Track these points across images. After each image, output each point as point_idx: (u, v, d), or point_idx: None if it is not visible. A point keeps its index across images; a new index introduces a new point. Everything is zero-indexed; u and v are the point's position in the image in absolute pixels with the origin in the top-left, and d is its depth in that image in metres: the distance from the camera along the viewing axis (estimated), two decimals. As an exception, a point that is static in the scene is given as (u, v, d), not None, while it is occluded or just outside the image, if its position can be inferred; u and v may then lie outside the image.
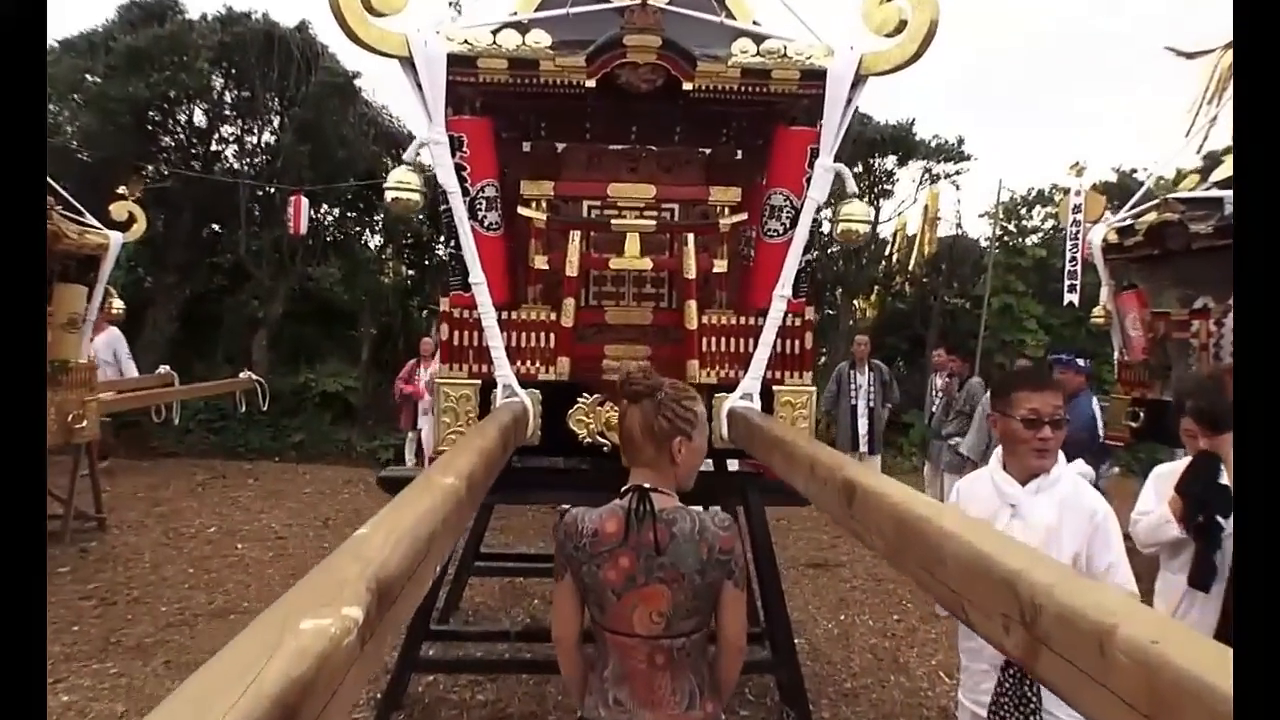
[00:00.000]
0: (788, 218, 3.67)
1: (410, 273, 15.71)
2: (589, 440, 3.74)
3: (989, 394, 6.97)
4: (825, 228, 10.37)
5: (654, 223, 3.76)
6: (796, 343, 3.81)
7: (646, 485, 2.17)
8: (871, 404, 9.67)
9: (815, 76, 3.53)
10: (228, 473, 10.92)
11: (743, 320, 3.80)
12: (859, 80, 3.53)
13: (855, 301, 16.74)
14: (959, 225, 16.25)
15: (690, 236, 3.72)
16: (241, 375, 10.67)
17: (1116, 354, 7.54)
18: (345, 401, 13.24)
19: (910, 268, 15.89)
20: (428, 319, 15.01)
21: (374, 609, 1.00)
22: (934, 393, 9.21)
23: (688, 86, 3.54)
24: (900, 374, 15.31)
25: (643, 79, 3.58)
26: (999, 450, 2.73)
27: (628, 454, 2.24)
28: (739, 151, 4.10)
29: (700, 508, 2.22)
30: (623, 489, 2.21)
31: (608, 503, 2.22)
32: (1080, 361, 6.96)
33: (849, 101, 3.54)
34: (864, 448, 9.66)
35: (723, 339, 3.79)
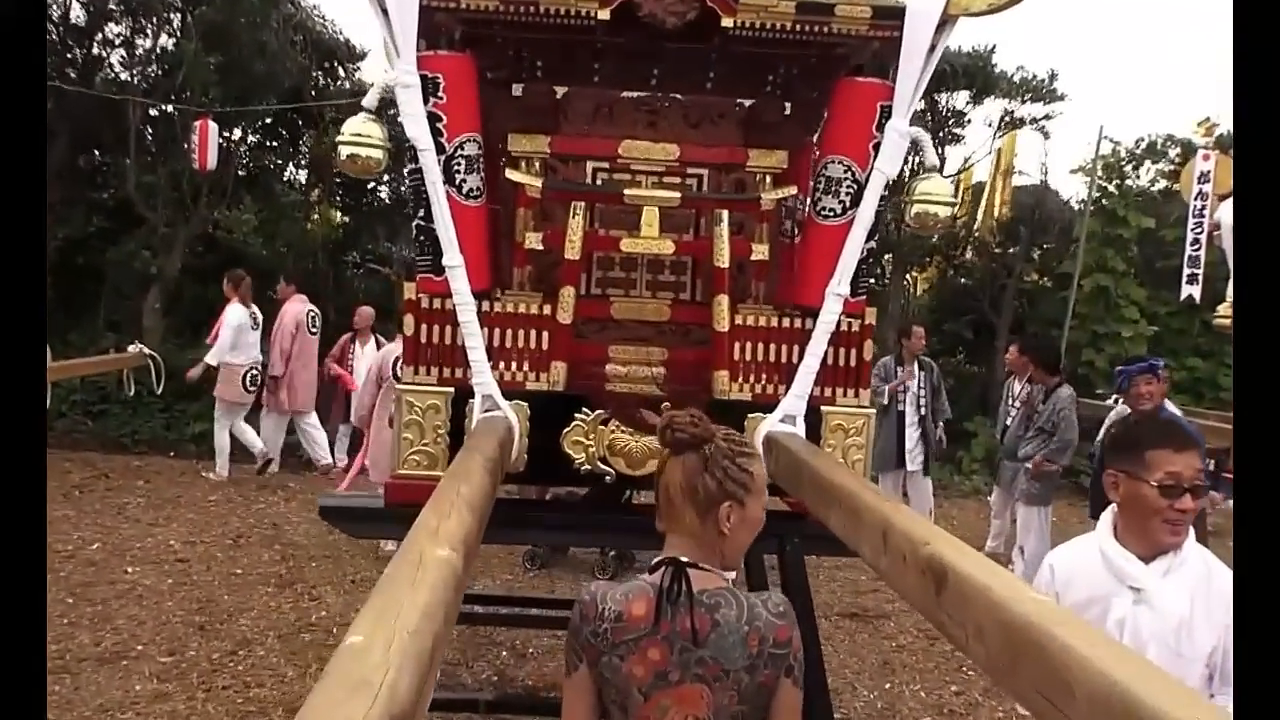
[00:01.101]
0: (848, 194, 3.69)
1: (344, 219, 15.69)
2: (587, 468, 3.77)
3: (1107, 443, 7.02)
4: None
5: (677, 194, 3.77)
6: (852, 352, 3.84)
7: (684, 559, 2.19)
8: (923, 411, 9.74)
9: (891, 15, 3.54)
10: (111, 471, 10.94)
11: (786, 322, 3.83)
12: (946, 21, 3.54)
13: (908, 275, 16.82)
14: (1045, 182, 16.30)
15: (724, 213, 3.74)
16: (130, 349, 10.68)
17: (1243, 362, 7.58)
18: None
19: (978, 232, 15.94)
20: (363, 280, 15.01)
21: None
22: (1010, 401, 9.26)
23: (727, 22, 3.54)
24: (960, 369, 15.43)
25: (670, 10, 3.58)
26: (1109, 516, 2.76)
27: (665, 518, 2.28)
28: (787, 106, 4.11)
29: (746, 592, 2.26)
30: (654, 561, 2.24)
31: (628, 578, 2.27)
32: (1163, 370, 7.00)
33: (933, 48, 3.55)
34: (911, 465, 9.74)
35: (760, 344, 3.82)
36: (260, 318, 11.17)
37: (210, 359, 10.69)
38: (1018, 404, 9.00)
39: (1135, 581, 2.64)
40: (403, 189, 15.13)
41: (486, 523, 2.42)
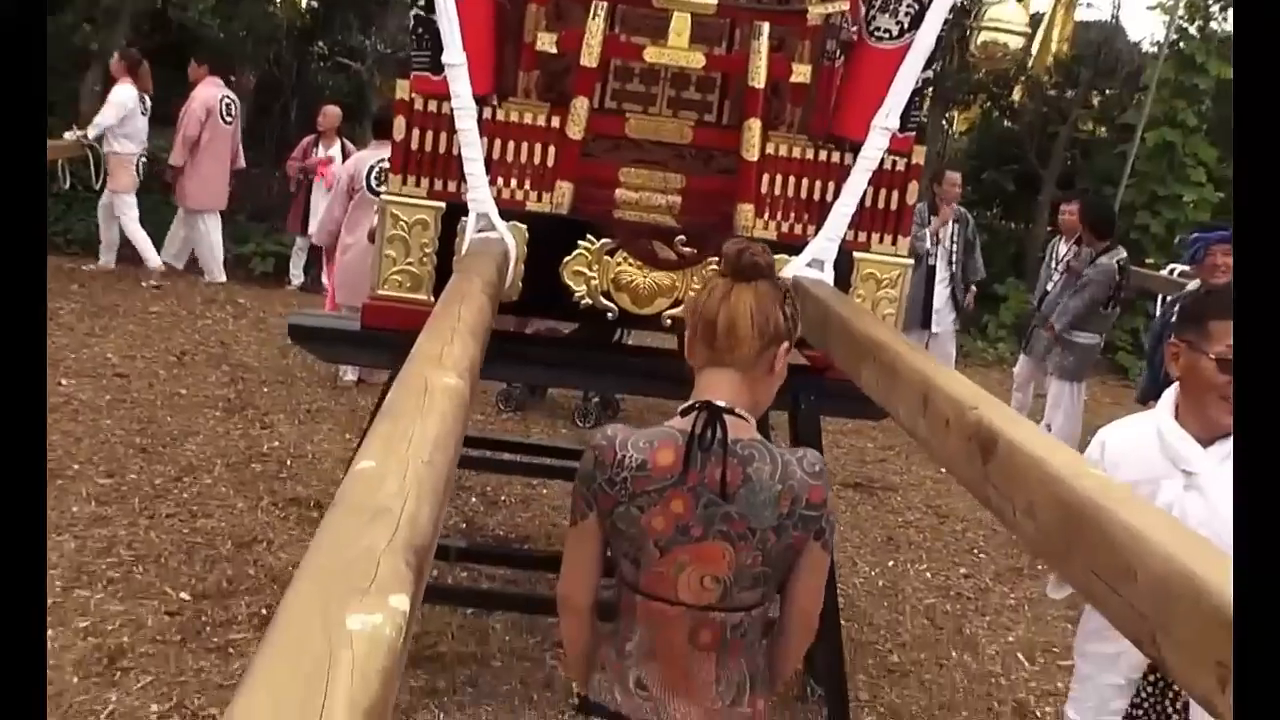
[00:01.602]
0: (908, 13, 3.64)
1: (313, 4, 15.39)
2: (588, 301, 3.80)
3: (1174, 315, 7.05)
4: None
5: (713, 0, 3.71)
6: (894, 195, 3.85)
7: (719, 402, 2.23)
8: (954, 268, 9.75)
9: None
10: (40, 272, 10.92)
11: (823, 155, 3.82)
12: None
13: (947, 115, 16.64)
14: (1115, 18, 16.03)
15: (764, 26, 3.69)
16: (67, 135, 10.56)
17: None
18: (209, 184, 13.15)
19: (1031, 71, 15.71)
20: (330, 75, 14.78)
21: (414, 591, 1.08)
22: (1053, 262, 9.26)
23: None
24: (996, 225, 15.42)
25: None
26: (1170, 396, 2.80)
27: (715, 349, 2.27)
28: (843, -95, 4.02)
29: (784, 447, 2.31)
30: (684, 406, 2.27)
31: (653, 425, 2.30)
32: None
33: None
34: (937, 327, 9.78)
35: (792, 178, 3.82)
36: (149, 104, 10.95)
37: (91, 131, 10.51)
38: (1061, 267, 9.01)
39: (1189, 465, 2.69)
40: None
41: (486, 351, 2.45)
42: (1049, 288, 9.00)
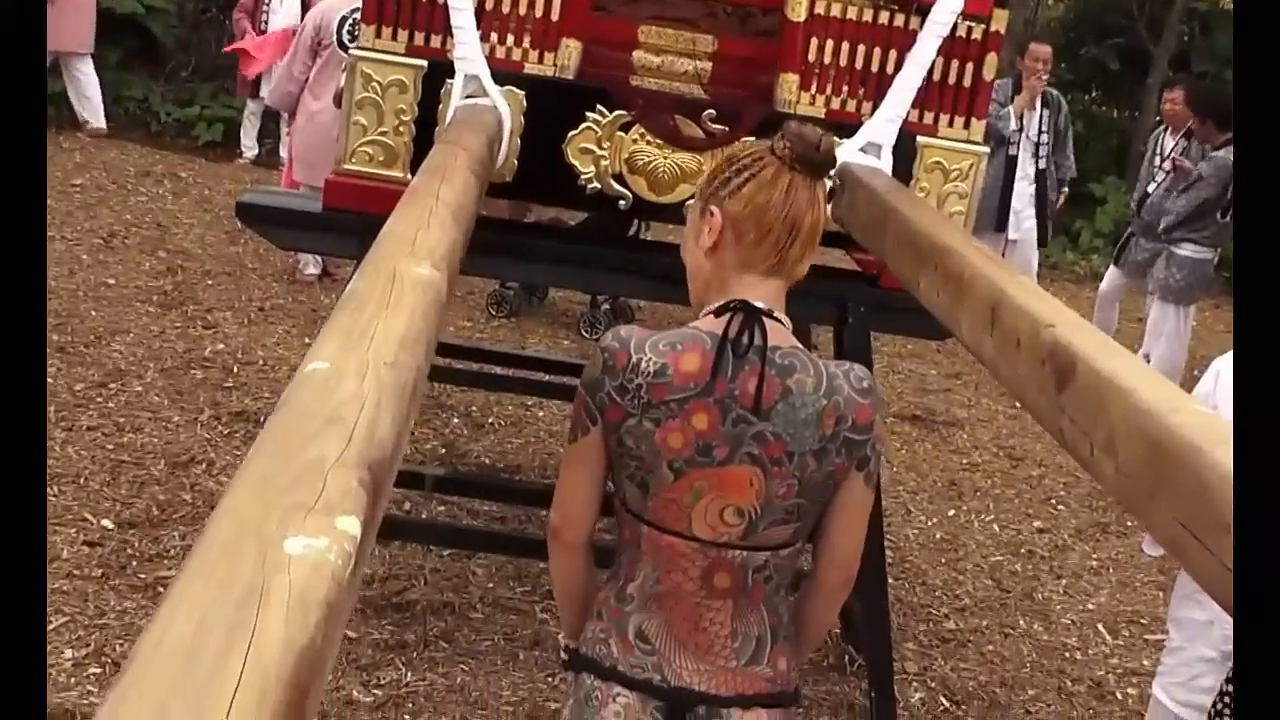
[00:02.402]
0: None
1: None
2: (596, 186, 3.80)
3: None
4: None
5: None
6: (968, 68, 3.83)
7: (757, 303, 2.24)
8: (1042, 163, 9.65)
9: None
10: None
11: (883, 17, 3.80)
12: None
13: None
14: None
15: None
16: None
17: None
18: (144, 34, 13.11)
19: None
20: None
21: (369, 513, 1.09)
22: (1157, 158, 9.20)
23: None
24: (1094, 112, 15.28)
25: None
26: None
27: (765, 251, 2.29)
28: None
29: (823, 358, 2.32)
30: (716, 305, 2.27)
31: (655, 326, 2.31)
32: None
33: None
34: (1016, 232, 9.68)
35: (845, 45, 3.80)
36: None
37: None
38: (1164, 165, 8.94)
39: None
40: None
41: (470, 240, 2.46)
42: (1150, 189, 8.93)
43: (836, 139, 2.30)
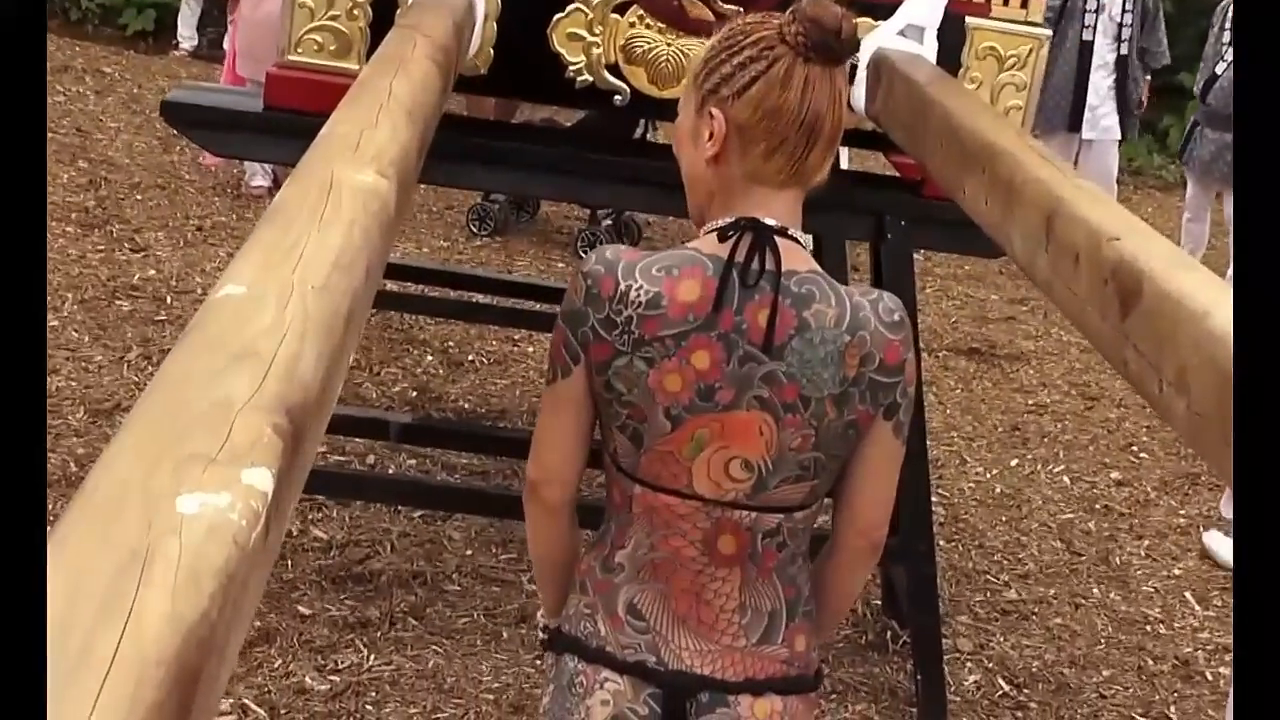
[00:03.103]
0: None
1: None
2: (588, 78, 3.79)
3: None
4: None
5: None
6: (1028, -68, 3.81)
7: (769, 221, 2.23)
8: (1124, 49, 9.56)
9: None
10: None
11: None
12: None
13: None
14: None
15: None
16: None
17: None
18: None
19: None
20: None
21: (285, 465, 1.08)
22: (1225, 34, 9.08)
23: None
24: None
25: None
26: None
27: (774, 162, 2.22)
28: None
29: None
30: (720, 223, 2.25)
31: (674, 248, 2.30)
32: None
33: None
34: (1091, 131, 9.61)
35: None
36: None
37: None
38: (1221, 45, 8.90)
39: None
40: None
41: (429, 144, 2.44)
42: (1219, 69, 8.87)
43: (861, 18, 2.25)
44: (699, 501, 2.26)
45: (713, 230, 2.26)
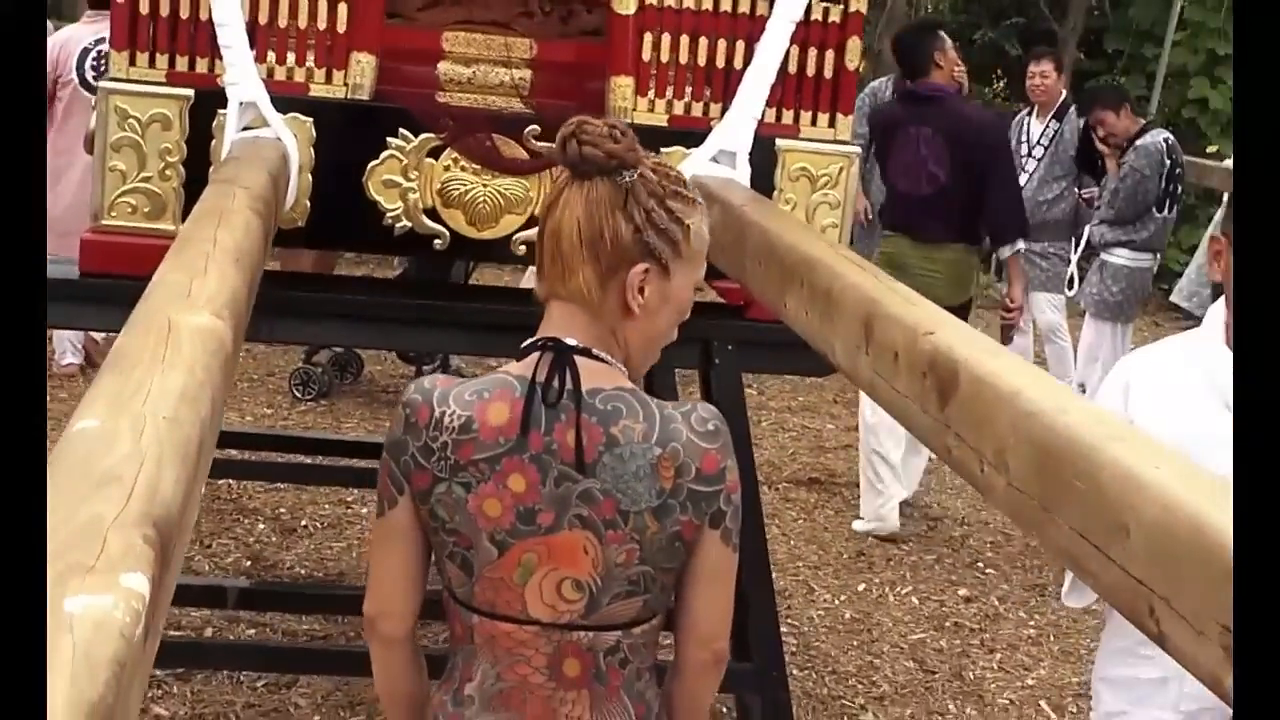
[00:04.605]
0: None
1: None
2: (406, 225, 3.87)
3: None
4: None
5: None
6: (829, 56, 3.97)
7: (570, 341, 2.32)
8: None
9: None
10: None
11: (727, 4, 3.93)
12: None
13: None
14: None
15: None
16: None
17: None
18: None
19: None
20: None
21: (157, 572, 1.17)
22: (1024, 147, 9.38)
23: None
24: (999, 106, 15.66)
25: None
26: (1217, 312, 2.94)
27: (548, 276, 2.34)
28: None
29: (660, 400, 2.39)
30: (524, 344, 2.36)
31: (480, 373, 2.40)
32: None
33: None
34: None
35: (685, 39, 3.92)
36: None
37: None
38: (1036, 153, 9.24)
39: (1241, 398, 2.83)
40: None
41: (257, 289, 2.53)
42: (1021, 181, 9.20)
43: (609, 130, 2.33)
44: (537, 626, 2.32)
45: (519, 351, 2.36)
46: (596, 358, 2.32)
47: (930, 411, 2.15)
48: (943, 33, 9.96)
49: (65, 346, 8.43)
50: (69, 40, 7.94)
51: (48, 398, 7.98)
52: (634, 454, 2.27)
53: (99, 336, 8.67)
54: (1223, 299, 2.93)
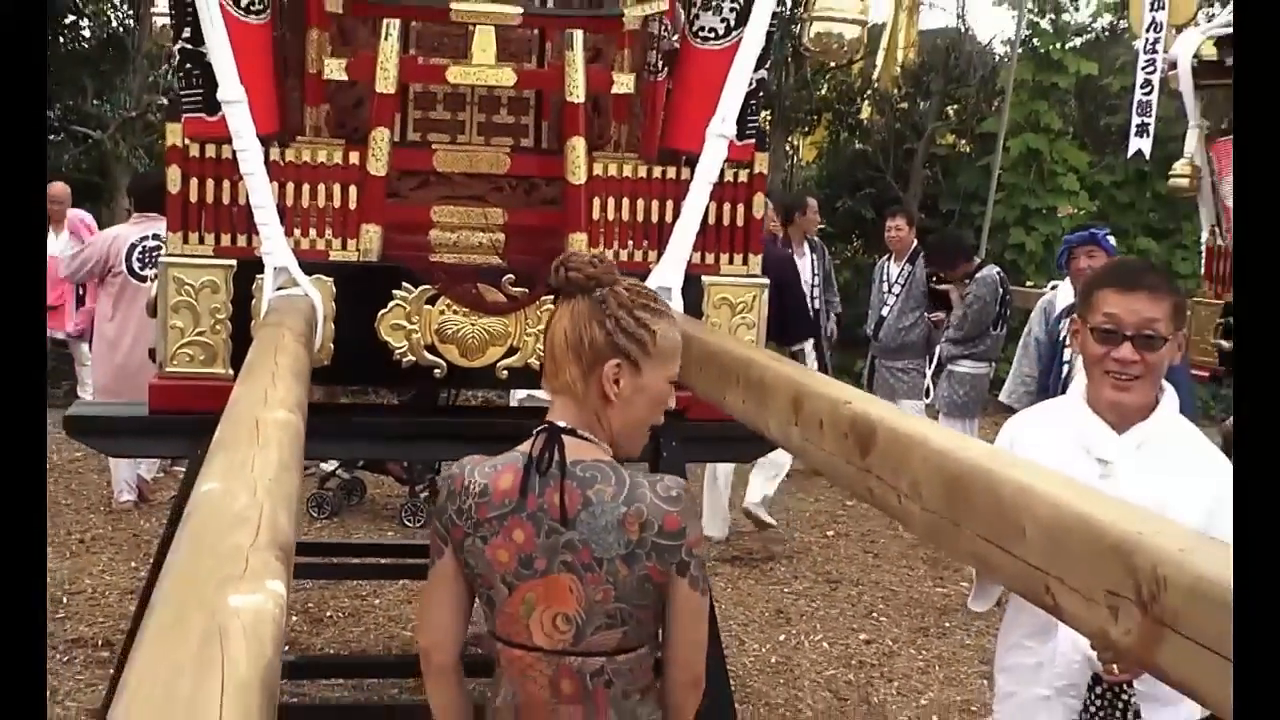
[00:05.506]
0: (732, 10, 3.89)
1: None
2: (411, 359, 3.92)
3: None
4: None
5: (518, 8, 3.91)
6: (740, 209, 4.08)
7: (562, 424, 2.40)
8: (816, 304, 10.04)
9: None
10: None
11: (657, 172, 4.04)
12: None
13: (790, 139, 17.23)
14: (961, 19, 16.81)
15: (577, 35, 3.90)
16: None
17: (1205, 234, 8.10)
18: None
19: (877, 84, 16.37)
20: (58, 149, 14.59)
21: (287, 579, 1.22)
22: (884, 285, 9.59)
23: None
24: (858, 260, 15.94)
25: None
26: (1080, 380, 3.04)
27: (548, 374, 2.49)
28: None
29: (642, 471, 2.49)
30: (536, 430, 2.44)
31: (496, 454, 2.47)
32: (1111, 240, 7.37)
33: None
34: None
35: (625, 201, 4.02)
36: None
37: None
38: (895, 288, 9.44)
39: (1102, 452, 2.91)
40: (110, 24, 14.82)
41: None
42: (884, 313, 9.42)
43: (590, 260, 2.47)
44: (540, 652, 2.42)
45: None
46: (582, 437, 2.44)
47: (854, 463, 2.22)
48: (810, 199, 10.34)
49: (122, 486, 8.37)
50: (118, 237, 7.90)
51: (111, 529, 7.97)
52: (605, 511, 2.38)
53: (148, 477, 8.66)
54: (1081, 371, 3.05)
